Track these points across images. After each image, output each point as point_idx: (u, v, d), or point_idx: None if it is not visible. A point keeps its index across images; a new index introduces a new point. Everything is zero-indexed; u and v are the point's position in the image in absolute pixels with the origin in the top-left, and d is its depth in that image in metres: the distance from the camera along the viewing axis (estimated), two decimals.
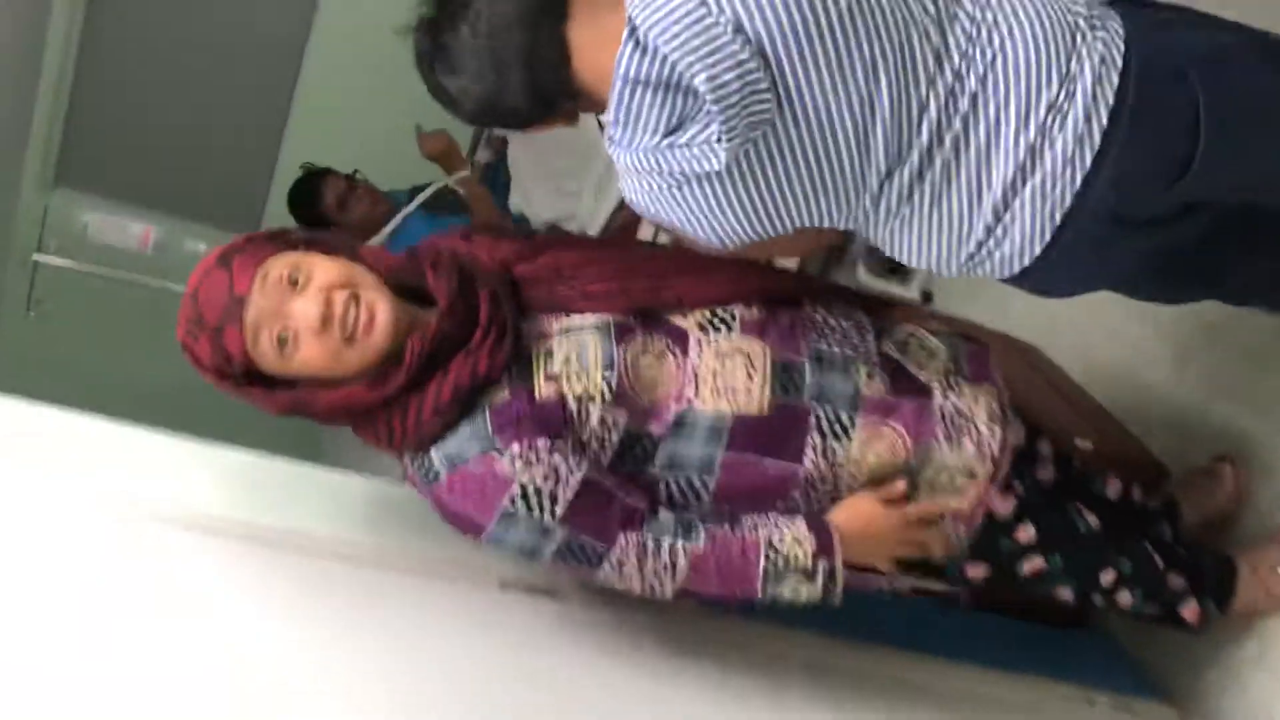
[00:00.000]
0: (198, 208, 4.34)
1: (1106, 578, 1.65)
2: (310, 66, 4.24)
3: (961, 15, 1.29)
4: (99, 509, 1.44)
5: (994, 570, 1.60)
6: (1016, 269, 1.38)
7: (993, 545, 1.57)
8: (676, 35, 1.23)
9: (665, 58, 1.23)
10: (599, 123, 1.37)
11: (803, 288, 1.59)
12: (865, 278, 2.87)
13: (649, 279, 1.51)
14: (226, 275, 1.33)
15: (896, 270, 2.95)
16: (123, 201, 4.22)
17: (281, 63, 4.20)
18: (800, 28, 1.23)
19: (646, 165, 1.30)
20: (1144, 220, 1.35)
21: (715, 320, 1.49)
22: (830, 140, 1.29)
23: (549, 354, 1.42)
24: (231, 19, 4.14)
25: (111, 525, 1.42)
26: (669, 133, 1.27)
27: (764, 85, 1.24)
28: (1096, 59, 1.28)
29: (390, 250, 2.86)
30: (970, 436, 1.52)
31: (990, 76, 1.29)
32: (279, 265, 1.33)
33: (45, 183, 4.22)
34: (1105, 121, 1.28)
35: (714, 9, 1.23)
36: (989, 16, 1.29)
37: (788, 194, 1.32)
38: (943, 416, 1.51)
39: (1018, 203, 1.32)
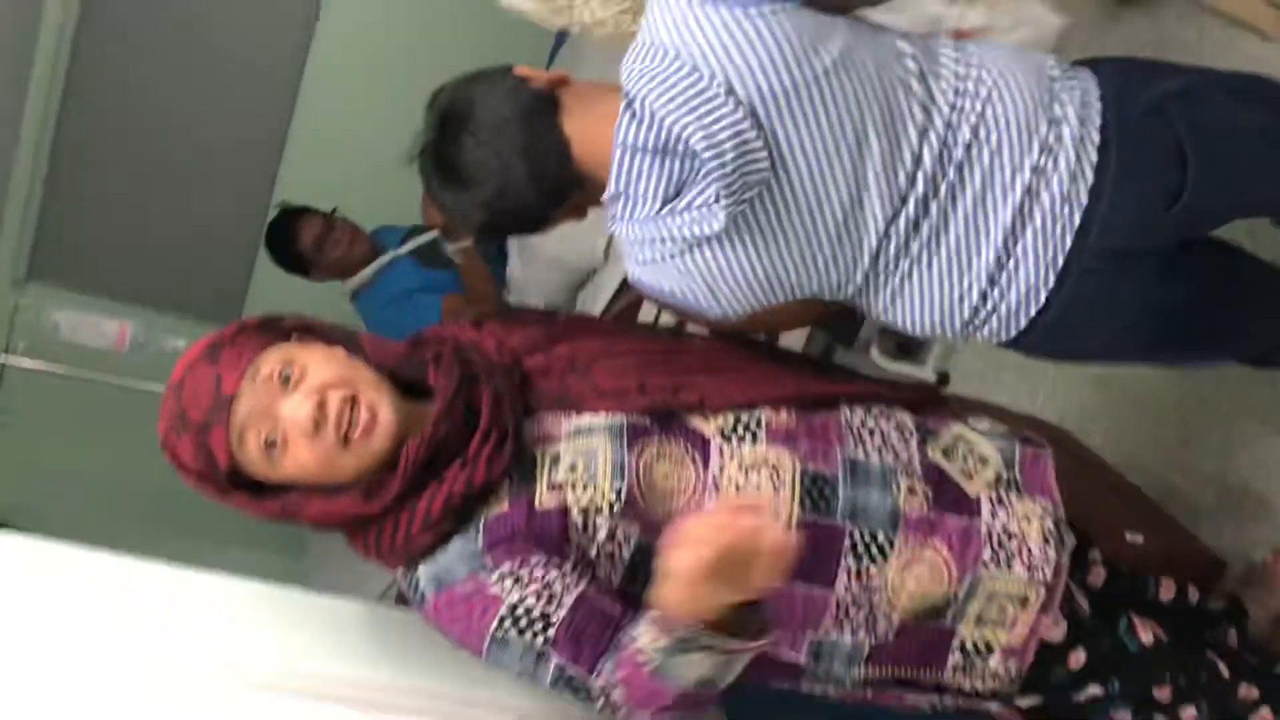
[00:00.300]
0: (176, 299, 4.19)
1: (1164, 694, 1.50)
2: (292, 154, 4.12)
3: (943, 70, 1.35)
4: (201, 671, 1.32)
5: (1046, 701, 1.46)
6: (1023, 322, 1.38)
7: (1044, 676, 1.43)
8: (672, 99, 1.26)
9: (662, 122, 1.27)
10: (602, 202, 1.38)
11: (838, 388, 1.44)
12: (879, 360, 2.72)
13: (669, 375, 1.38)
14: (213, 371, 1.23)
15: (909, 350, 2.81)
16: (97, 295, 4.07)
17: (263, 150, 4.08)
18: (789, 88, 1.27)
19: (648, 235, 1.31)
20: (1145, 252, 1.36)
21: (740, 426, 1.36)
22: (825, 198, 1.31)
23: (555, 459, 1.30)
24: (211, 107, 4.03)
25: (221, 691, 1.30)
26: (667, 200, 1.29)
27: (758, 145, 1.27)
28: (1077, 101, 1.34)
29: (374, 291, 2.93)
30: (1021, 559, 1.37)
31: (983, 125, 1.33)
32: (270, 360, 1.24)
33: (16, 277, 4.07)
34: (1095, 157, 1.32)
35: (706, 75, 1.27)
36: (971, 71, 1.35)
37: (787, 256, 1.33)
38: (990, 536, 1.37)
39: (1020, 248, 1.34)
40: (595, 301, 2.92)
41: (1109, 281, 1.36)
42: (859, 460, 1.36)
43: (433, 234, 3.09)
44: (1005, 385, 2.58)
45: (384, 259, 3.12)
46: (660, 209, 1.30)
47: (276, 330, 1.29)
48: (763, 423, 1.36)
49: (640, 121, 1.29)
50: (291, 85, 4.02)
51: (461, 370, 1.32)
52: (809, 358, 1.56)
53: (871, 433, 1.40)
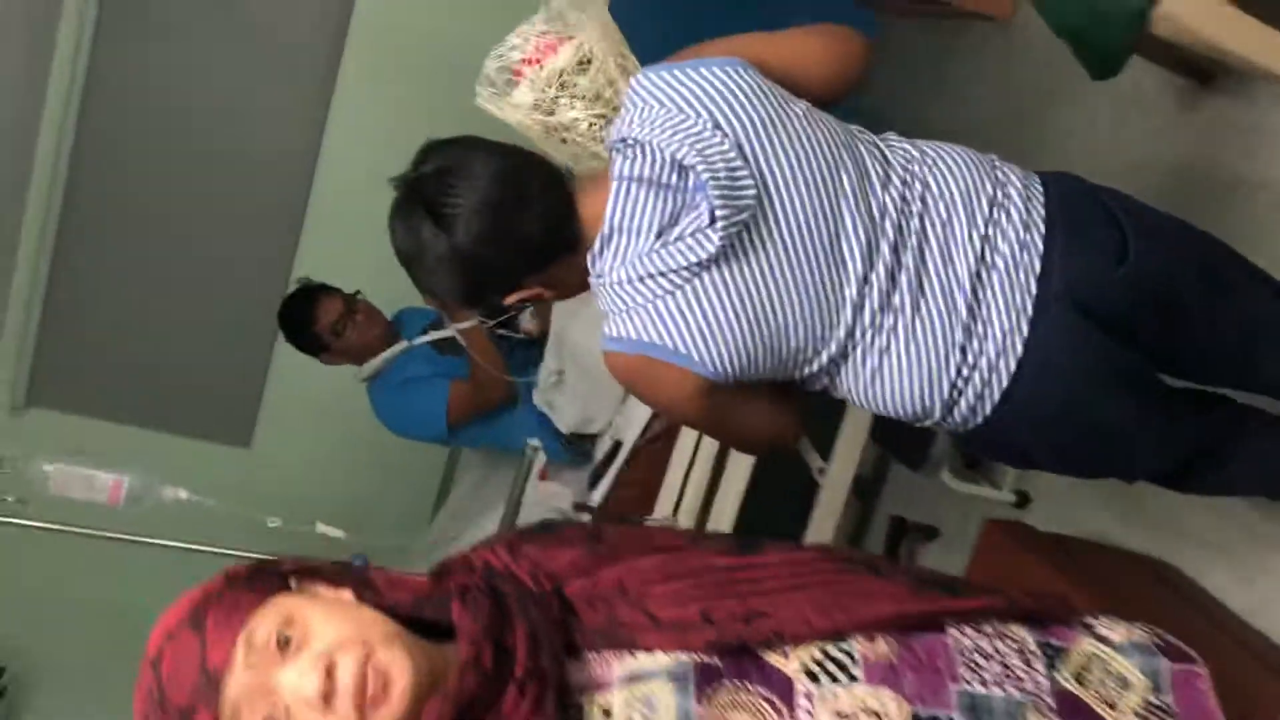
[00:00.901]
0: (185, 420, 4.02)
1: None
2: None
3: (893, 144, 1.49)
4: None
5: None
6: (1005, 381, 1.42)
7: None
8: (665, 133, 1.39)
9: (657, 150, 1.38)
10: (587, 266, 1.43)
11: (944, 605, 1.17)
12: (951, 482, 2.48)
13: (739, 600, 1.09)
14: (197, 639, 1.00)
15: (980, 466, 2.56)
16: (99, 418, 3.92)
17: (273, 262, 3.88)
18: (768, 125, 1.40)
19: (642, 272, 1.35)
20: (1107, 315, 1.43)
21: (829, 661, 1.07)
22: (807, 233, 1.39)
23: (607, 713, 1.04)
24: (218, 216, 3.86)
25: None
26: (662, 231, 1.35)
27: (745, 174, 1.37)
28: (1018, 176, 1.48)
29: (387, 378, 2.86)
30: None
31: (933, 183, 1.44)
32: (267, 622, 1.01)
33: (15, 403, 3.89)
34: (1043, 212, 1.43)
35: (692, 115, 1.40)
36: (917, 149, 1.48)
37: (774, 291, 1.38)
38: None
39: (988, 295, 1.41)
40: (630, 424, 2.70)
41: (1076, 341, 1.42)
42: (978, 695, 1.08)
43: (447, 333, 2.92)
44: (1085, 501, 2.28)
45: (399, 347, 2.97)
46: (655, 241, 1.36)
47: (271, 579, 1.06)
48: (857, 656, 1.08)
49: (635, 156, 1.39)
50: (302, 193, 3.84)
51: (492, 604, 1.08)
52: (896, 564, 1.32)
53: (988, 658, 1.11)
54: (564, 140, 1.65)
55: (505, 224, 1.38)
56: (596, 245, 1.39)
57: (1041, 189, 1.47)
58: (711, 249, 1.34)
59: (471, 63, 1.67)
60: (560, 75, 1.61)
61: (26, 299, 3.77)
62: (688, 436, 2.53)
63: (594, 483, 2.81)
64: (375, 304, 3.00)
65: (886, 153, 1.47)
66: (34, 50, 3.50)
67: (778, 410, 1.55)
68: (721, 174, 1.36)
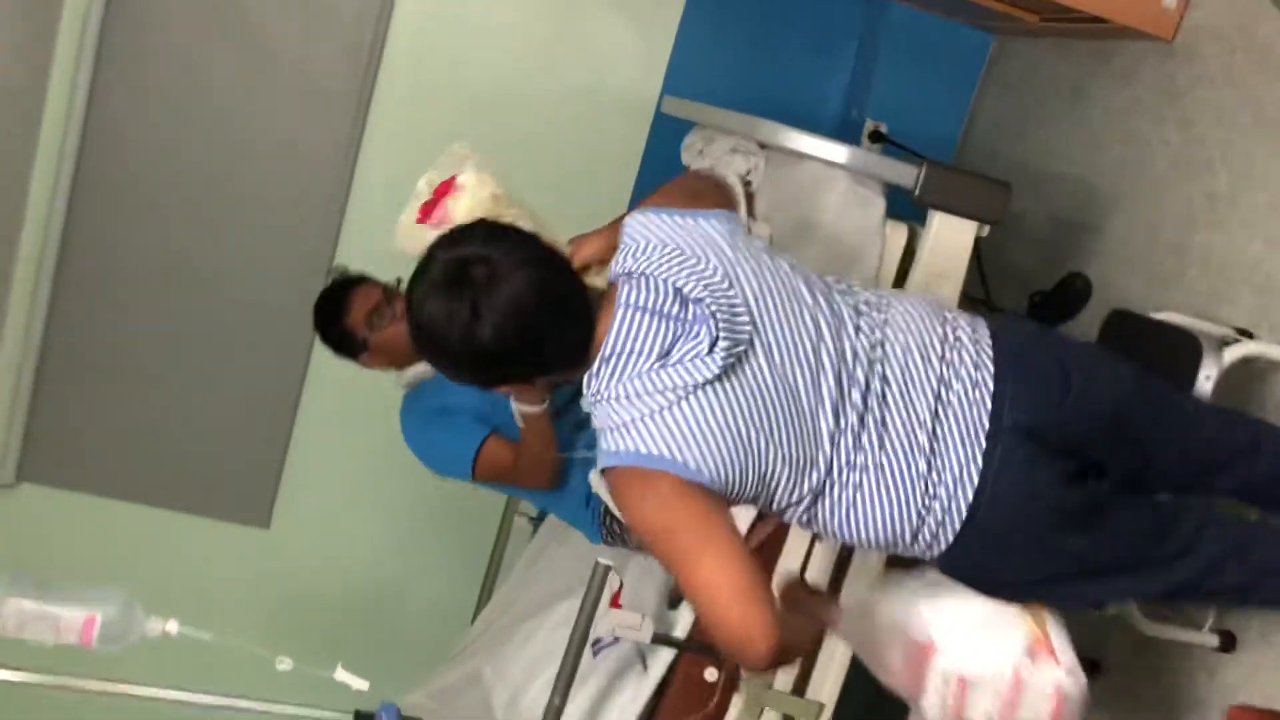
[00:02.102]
0: (193, 498, 3.56)
1: None
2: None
3: (857, 292, 1.68)
4: None
5: None
6: (964, 508, 1.54)
7: None
8: (669, 266, 1.53)
9: (662, 281, 1.52)
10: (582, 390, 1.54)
11: None
12: (1141, 623, 2.00)
13: None
14: None
15: (1174, 601, 2.06)
16: (96, 495, 3.46)
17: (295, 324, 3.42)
18: (759, 269, 1.57)
19: (640, 389, 1.46)
20: (1058, 441, 1.58)
21: None
22: (792, 370, 1.53)
23: None
24: (236, 286, 3.40)
25: None
26: (662, 355, 1.47)
27: (742, 310, 1.52)
28: (966, 321, 1.66)
29: (419, 393, 2.46)
30: None
31: (890, 332, 1.60)
32: None
33: (4, 480, 3.44)
34: (991, 354, 1.61)
35: (688, 252, 1.55)
36: (877, 295, 1.67)
37: (762, 417, 1.48)
38: None
39: (946, 430, 1.56)
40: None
41: (1028, 466, 1.56)
42: None
43: None
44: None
45: None
46: (655, 363, 1.46)
47: None
48: None
49: (639, 287, 1.52)
50: (326, 250, 3.37)
51: None
52: None
53: None
54: None
55: (533, 337, 1.47)
56: (595, 365, 1.49)
57: (989, 333, 1.63)
58: (709, 373, 1.45)
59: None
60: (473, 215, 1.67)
61: (18, 361, 3.33)
62: (797, 539, 2.16)
63: (674, 603, 2.31)
64: None
65: (855, 301, 1.63)
66: (27, 84, 3.07)
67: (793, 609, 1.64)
68: (723, 306, 1.50)
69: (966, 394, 1.56)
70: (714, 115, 2.53)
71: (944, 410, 1.55)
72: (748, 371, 1.48)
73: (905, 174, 2.10)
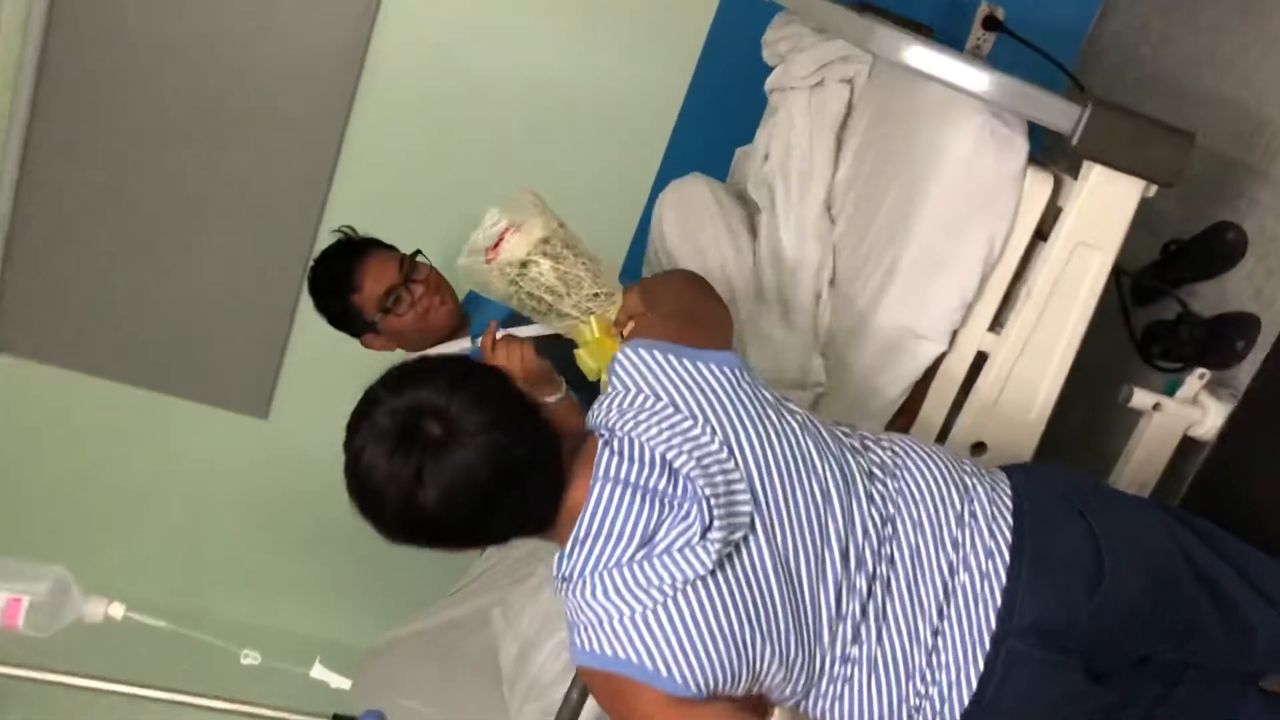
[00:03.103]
0: (185, 381, 3.22)
1: None
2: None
3: (870, 448, 1.42)
4: None
5: None
6: (958, 717, 1.35)
7: None
8: (656, 428, 1.30)
9: (650, 450, 1.28)
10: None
11: None
12: None
13: None
14: None
15: None
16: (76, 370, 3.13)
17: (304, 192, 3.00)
18: (765, 434, 1.32)
19: (621, 583, 1.25)
20: (1077, 646, 1.36)
21: None
22: (795, 553, 1.30)
23: None
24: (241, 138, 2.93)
25: None
26: (645, 541, 1.25)
27: (742, 487, 1.29)
28: (985, 487, 1.41)
29: None
30: None
31: (903, 504, 1.36)
32: None
33: None
34: (1009, 538, 1.36)
35: (686, 412, 1.31)
36: (889, 453, 1.41)
37: (758, 612, 1.28)
38: None
39: (948, 623, 1.34)
40: None
41: (1037, 676, 1.34)
42: None
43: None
44: None
45: (461, 344, 2.16)
46: (637, 551, 1.26)
47: None
48: None
49: (621, 454, 1.30)
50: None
51: None
52: None
53: None
54: (537, 300, 1.68)
55: (483, 511, 1.26)
56: (568, 545, 1.29)
57: (1010, 499, 1.41)
58: (702, 569, 1.25)
59: None
60: (522, 256, 1.66)
61: None
62: None
63: None
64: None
65: (869, 465, 1.40)
66: None
67: None
68: (720, 488, 1.28)
69: (974, 587, 1.34)
70: (811, 4, 2.03)
71: (950, 601, 1.34)
72: (745, 559, 1.28)
73: (1063, 115, 1.62)
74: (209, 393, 3.30)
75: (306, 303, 3.10)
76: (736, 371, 1.36)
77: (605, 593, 1.25)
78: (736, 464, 1.29)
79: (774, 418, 1.34)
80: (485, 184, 2.43)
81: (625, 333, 1.65)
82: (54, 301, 3.11)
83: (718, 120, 2.79)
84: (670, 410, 1.31)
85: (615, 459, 1.29)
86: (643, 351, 1.35)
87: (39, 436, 3.27)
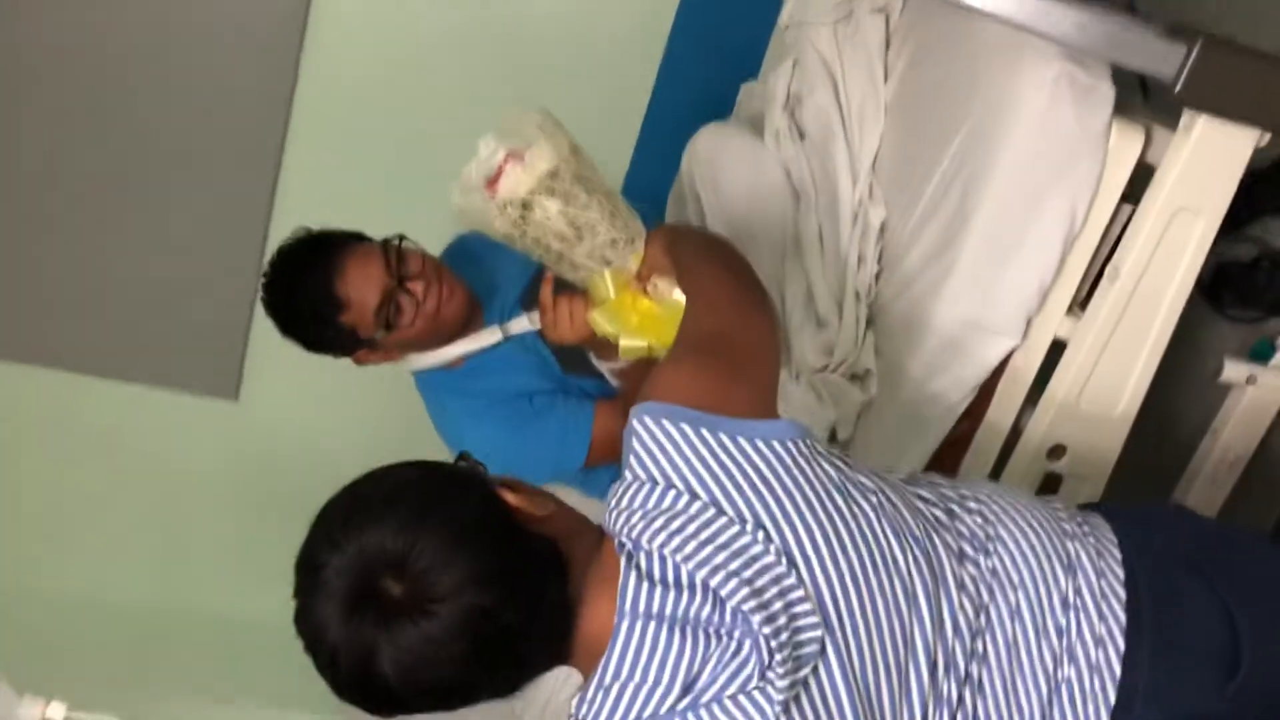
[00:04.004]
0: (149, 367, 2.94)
1: None
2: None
3: (960, 532, 1.13)
4: None
5: None
6: None
7: None
8: (696, 544, 1.00)
9: (689, 575, 0.99)
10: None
11: None
12: None
13: None
14: None
15: None
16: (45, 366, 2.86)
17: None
18: (835, 532, 1.03)
19: None
20: None
21: None
22: (875, 670, 1.02)
23: None
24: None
25: None
26: (687, 686, 0.98)
27: (808, 608, 1.00)
28: (1091, 552, 1.14)
29: (468, 374, 1.81)
30: None
31: (997, 588, 1.10)
32: None
33: None
34: (1123, 619, 1.10)
35: (733, 515, 1.02)
36: (982, 524, 1.13)
37: None
38: None
39: None
40: None
41: None
42: None
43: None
44: None
45: (488, 336, 1.78)
46: (680, 698, 0.97)
47: None
48: None
49: (651, 577, 1.00)
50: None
51: None
52: None
53: None
54: (545, 248, 1.45)
55: (463, 685, 0.98)
56: (590, 689, 0.99)
57: (1120, 567, 1.12)
58: (772, 715, 0.96)
59: None
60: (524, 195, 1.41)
61: None
62: None
63: None
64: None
65: (959, 544, 1.10)
66: None
67: None
68: (780, 618, 0.98)
69: (1083, 682, 1.09)
70: None
71: (1056, 699, 1.09)
72: (815, 694, 1.00)
73: (1163, 57, 1.31)
74: (175, 378, 3.02)
75: None
76: (792, 446, 1.05)
77: None
78: (800, 579, 1.00)
79: (843, 505, 1.05)
80: (460, 133, 2.15)
81: (649, 289, 1.40)
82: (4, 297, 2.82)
83: (708, 48, 2.49)
84: (710, 513, 1.01)
85: (644, 586, 0.99)
86: (667, 425, 1.04)
87: None
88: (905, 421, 1.56)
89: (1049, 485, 1.61)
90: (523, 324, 1.78)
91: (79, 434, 3.04)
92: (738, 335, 1.16)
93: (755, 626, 0.96)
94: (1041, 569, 1.11)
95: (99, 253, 2.79)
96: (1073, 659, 1.09)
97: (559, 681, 1.99)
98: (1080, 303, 1.54)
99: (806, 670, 0.99)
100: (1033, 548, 1.12)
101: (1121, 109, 1.47)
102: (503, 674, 1.00)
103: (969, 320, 1.48)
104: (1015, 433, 1.59)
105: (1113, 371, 1.51)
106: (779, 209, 1.85)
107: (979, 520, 1.13)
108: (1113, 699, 1.08)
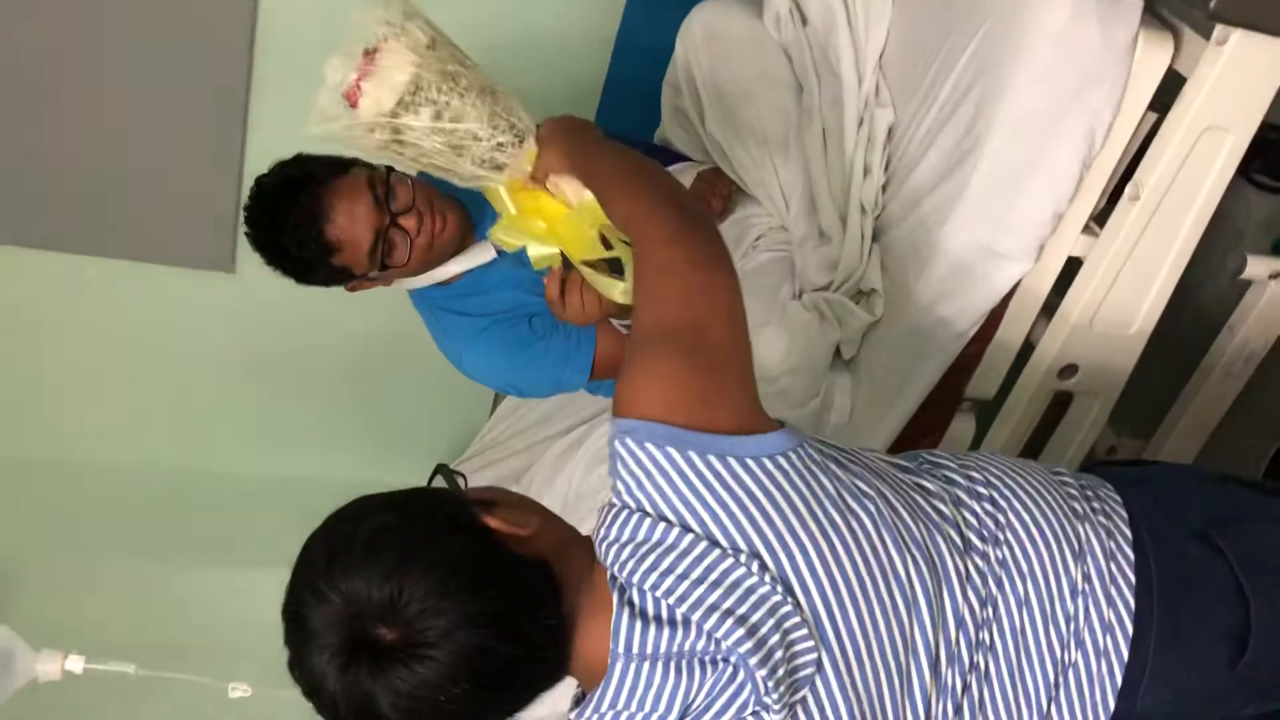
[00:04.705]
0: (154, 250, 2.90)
1: None
2: None
3: (969, 521, 1.09)
4: None
5: None
6: None
7: None
8: (691, 584, 0.96)
9: (683, 616, 0.97)
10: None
11: None
12: None
13: None
14: None
15: None
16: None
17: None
18: (830, 547, 0.99)
19: None
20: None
21: None
22: (874, 677, 1.01)
23: None
24: None
25: None
26: (683, 715, 0.98)
27: (804, 633, 0.98)
28: (1100, 533, 1.10)
29: (463, 301, 1.75)
30: None
31: (1006, 572, 1.08)
32: None
33: None
34: (1131, 604, 1.08)
35: (727, 546, 0.97)
36: (993, 519, 1.09)
37: None
38: None
39: (1059, 708, 1.08)
40: None
41: None
42: None
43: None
44: None
45: (480, 253, 1.71)
46: None
47: None
48: None
49: (645, 616, 0.98)
50: None
51: None
52: None
53: None
54: (433, 165, 1.32)
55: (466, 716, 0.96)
56: (588, 710, 0.99)
57: (1130, 549, 1.09)
58: None
59: None
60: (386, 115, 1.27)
61: None
62: None
63: None
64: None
65: (966, 536, 1.07)
66: None
67: None
68: (776, 651, 0.96)
69: (1089, 666, 1.07)
70: None
71: (1062, 682, 1.07)
72: (811, 706, 0.98)
73: None
74: (171, 253, 2.97)
75: (254, 148, 2.81)
76: (783, 461, 0.99)
77: None
78: (798, 604, 0.97)
79: (839, 519, 1.00)
80: None
81: (550, 189, 1.29)
82: None
83: None
84: (701, 545, 0.97)
85: (638, 625, 0.96)
86: (651, 450, 0.97)
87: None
88: (911, 345, 1.51)
89: (1059, 402, 1.57)
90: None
91: (86, 311, 3.02)
92: (706, 318, 1.04)
93: (751, 666, 0.94)
94: (1052, 557, 1.08)
95: (95, 144, 2.69)
96: (1080, 644, 1.07)
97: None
98: (1097, 217, 1.46)
99: (804, 691, 0.98)
100: (1044, 534, 1.08)
101: (1149, 5, 1.35)
102: (507, 702, 0.99)
103: (980, 246, 1.41)
104: (1026, 349, 1.54)
105: (1129, 291, 1.45)
106: (781, 100, 1.74)
107: (989, 508, 1.09)
108: (1119, 682, 1.06)
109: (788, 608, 0.97)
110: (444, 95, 1.25)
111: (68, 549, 3.15)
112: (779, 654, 0.96)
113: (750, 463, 0.97)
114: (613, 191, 1.20)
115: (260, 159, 1.85)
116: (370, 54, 1.24)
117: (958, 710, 1.05)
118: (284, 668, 1.01)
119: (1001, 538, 1.08)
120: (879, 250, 1.56)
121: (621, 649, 0.96)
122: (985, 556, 1.07)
